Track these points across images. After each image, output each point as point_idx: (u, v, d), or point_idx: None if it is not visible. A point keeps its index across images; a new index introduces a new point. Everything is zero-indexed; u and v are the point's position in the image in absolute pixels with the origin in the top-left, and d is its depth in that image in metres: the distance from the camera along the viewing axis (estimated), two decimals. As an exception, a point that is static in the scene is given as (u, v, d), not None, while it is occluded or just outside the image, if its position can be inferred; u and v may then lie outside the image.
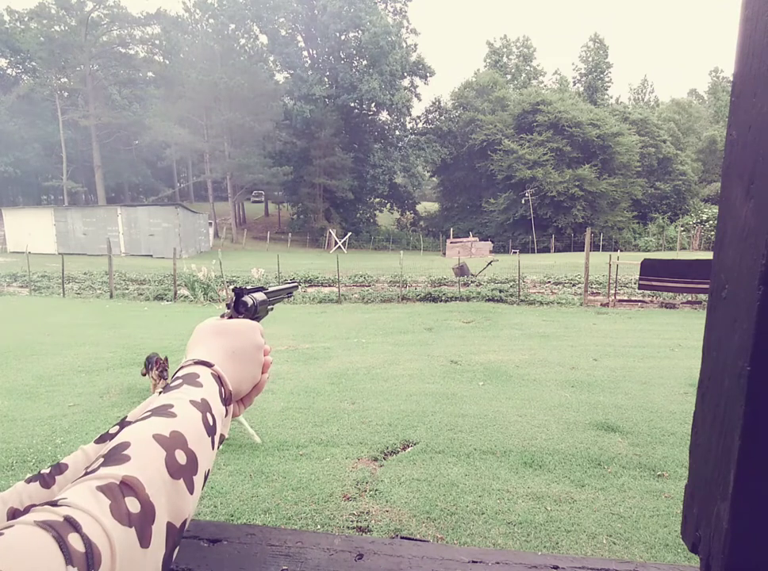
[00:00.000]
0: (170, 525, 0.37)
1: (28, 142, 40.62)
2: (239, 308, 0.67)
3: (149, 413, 0.44)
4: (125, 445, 0.39)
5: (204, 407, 0.47)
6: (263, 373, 0.63)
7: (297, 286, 0.91)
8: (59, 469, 0.56)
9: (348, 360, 6.46)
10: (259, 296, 0.72)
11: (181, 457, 0.40)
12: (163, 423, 0.42)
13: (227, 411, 0.53)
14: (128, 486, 0.35)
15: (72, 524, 0.30)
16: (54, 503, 0.32)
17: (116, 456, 0.37)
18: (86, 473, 0.36)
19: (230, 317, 0.66)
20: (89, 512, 0.31)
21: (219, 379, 0.53)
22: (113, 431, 0.60)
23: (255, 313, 0.69)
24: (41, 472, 0.55)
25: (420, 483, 3.07)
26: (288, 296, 0.86)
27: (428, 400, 4.68)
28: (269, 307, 0.76)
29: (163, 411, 0.44)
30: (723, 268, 0.45)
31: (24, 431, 3.94)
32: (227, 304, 0.69)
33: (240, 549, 0.57)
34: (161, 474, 0.38)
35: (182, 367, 0.54)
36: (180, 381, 0.50)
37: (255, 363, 0.61)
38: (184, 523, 0.39)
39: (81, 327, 9.25)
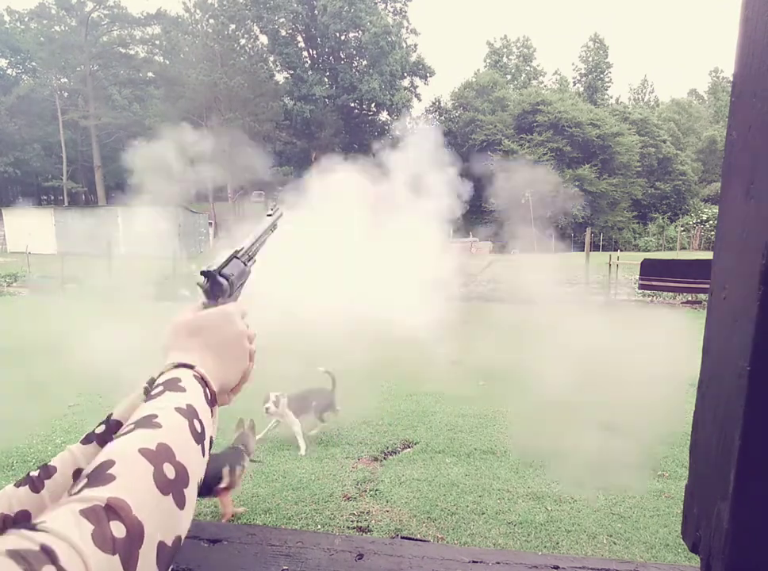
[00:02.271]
0: (161, 544, 0.35)
1: (28, 142, 40.62)
2: (215, 294, 0.60)
3: (132, 426, 0.42)
4: (110, 463, 0.37)
5: (190, 413, 0.45)
6: (249, 360, 0.59)
7: (280, 213, 0.76)
8: (47, 471, 0.55)
9: (348, 360, 6.45)
10: (234, 267, 0.63)
11: (169, 470, 0.39)
12: (149, 436, 0.40)
13: (212, 412, 0.51)
14: (113, 509, 0.33)
15: (48, 554, 0.28)
16: (33, 528, 0.30)
17: (100, 476, 0.36)
18: (70, 494, 0.35)
19: (206, 306, 0.59)
20: (68, 540, 0.30)
21: (202, 380, 0.51)
22: (98, 430, 0.60)
23: (234, 289, 0.62)
24: (30, 474, 0.54)
25: (421, 483, 3.07)
26: (273, 230, 0.74)
27: (428, 400, 4.68)
28: (248, 268, 0.67)
29: (148, 422, 0.42)
30: (723, 268, 0.45)
31: (24, 431, 3.94)
32: (203, 291, 0.60)
33: (240, 549, 0.57)
34: (149, 492, 0.36)
35: (161, 373, 0.51)
36: (161, 388, 0.48)
37: (239, 352, 0.57)
38: (178, 539, 0.38)
39: (81, 328, 9.25)
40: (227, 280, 0.61)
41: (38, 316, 10.73)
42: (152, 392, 0.48)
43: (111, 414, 0.62)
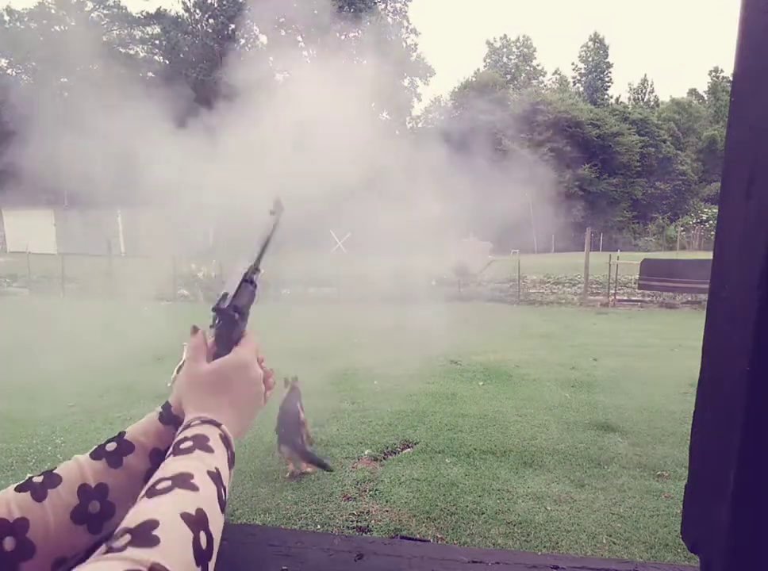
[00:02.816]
0: None
1: (28, 142, 40.62)
2: (228, 330, 0.60)
3: (170, 483, 0.41)
4: (153, 524, 0.37)
5: (218, 480, 0.45)
6: (267, 389, 0.62)
7: (282, 208, 0.73)
8: (51, 480, 0.53)
9: (348, 360, 6.46)
10: (244, 293, 0.63)
11: (203, 540, 0.39)
12: (189, 499, 0.40)
13: (230, 475, 0.51)
14: None
15: None
16: None
17: (145, 536, 0.36)
18: (111, 549, 0.35)
19: (217, 337, 0.60)
20: None
21: (227, 439, 0.51)
22: (109, 447, 0.58)
23: (245, 317, 0.63)
24: (32, 479, 0.52)
25: (420, 483, 3.07)
26: (274, 230, 0.71)
27: (428, 400, 4.68)
28: (256, 285, 0.66)
29: (185, 482, 0.42)
30: (723, 268, 0.45)
31: (24, 430, 3.94)
32: (216, 331, 0.60)
33: (240, 549, 0.57)
34: (187, 561, 0.36)
35: (188, 425, 0.51)
36: (191, 443, 0.48)
37: (256, 400, 0.60)
38: None
39: (80, 327, 9.25)
40: (239, 312, 0.61)
41: (38, 316, 10.73)
42: (181, 446, 0.47)
43: (124, 433, 0.60)
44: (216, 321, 0.60)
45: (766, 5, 0.39)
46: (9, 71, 44.59)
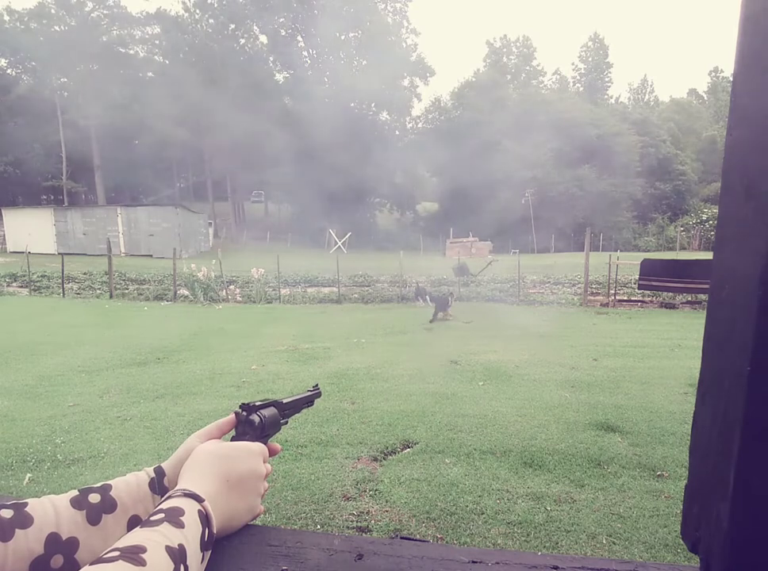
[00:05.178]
0: None
1: (28, 142, 40.62)
2: (245, 427, 0.65)
3: (117, 553, 0.39)
4: None
5: (179, 557, 0.43)
6: (260, 498, 0.60)
7: (319, 394, 0.85)
8: (22, 519, 0.48)
9: (348, 360, 6.46)
10: (270, 412, 0.69)
11: None
12: None
13: (203, 557, 0.48)
14: None
15: None
16: None
17: None
18: None
19: (234, 437, 0.64)
20: None
21: (206, 518, 0.49)
22: (93, 499, 0.54)
23: (264, 432, 0.66)
24: (1, 511, 0.48)
25: (420, 483, 3.07)
26: (308, 405, 0.82)
27: (428, 400, 4.68)
28: (282, 421, 0.73)
29: (134, 554, 0.39)
30: (723, 268, 0.44)
31: (24, 431, 3.94)
32: (238, 421, 0.66)
33: (240, 549, 0.57)
34: None
35: (169, 496, 0.50)
36: (162, 515, 0.46)
37: (252, 493, 0.59)
38: None
39: (81, 327, 9.25)
40: (261, 419, 0.66)
41: (37, 316, 10.73)
42: (152, 518, 0.46)
43: (110, 486, 0.56)
44: (242, 413, 0.66)
45: (766, 4, 0.39)
46: (9, 71, 44.59)
